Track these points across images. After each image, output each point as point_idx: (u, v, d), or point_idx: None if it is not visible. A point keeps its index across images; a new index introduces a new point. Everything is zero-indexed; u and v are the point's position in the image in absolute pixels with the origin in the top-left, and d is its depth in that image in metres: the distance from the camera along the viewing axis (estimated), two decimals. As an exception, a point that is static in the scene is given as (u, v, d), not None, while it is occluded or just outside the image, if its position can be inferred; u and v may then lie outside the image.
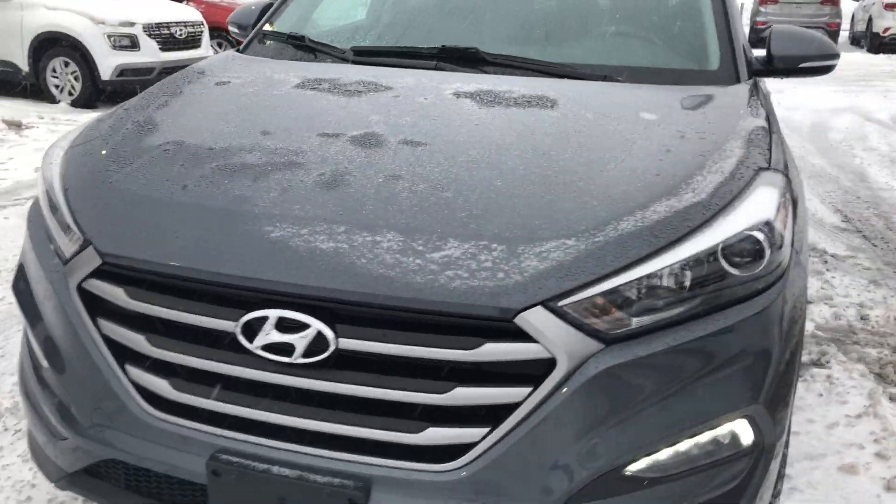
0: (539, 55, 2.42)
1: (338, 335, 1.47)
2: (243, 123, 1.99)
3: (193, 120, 2.06)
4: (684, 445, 1.54)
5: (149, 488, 1.68)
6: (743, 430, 1.59)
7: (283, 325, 1.48)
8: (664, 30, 2.62)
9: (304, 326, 1.47)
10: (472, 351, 1.43)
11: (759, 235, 1.59)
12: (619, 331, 1.47)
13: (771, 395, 1.59)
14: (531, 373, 1.45)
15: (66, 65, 8.48)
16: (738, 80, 2.34)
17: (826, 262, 4.43)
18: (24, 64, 8.53)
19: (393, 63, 2.45)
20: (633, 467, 1.51)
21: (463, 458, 1.47)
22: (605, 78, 2.29)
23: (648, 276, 1.49)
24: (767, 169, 1.80)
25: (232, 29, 3.06)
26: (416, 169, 1.72)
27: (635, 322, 1.48)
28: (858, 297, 3.93)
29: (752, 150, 1.85)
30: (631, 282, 1.48)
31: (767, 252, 1.59)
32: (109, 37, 8.32)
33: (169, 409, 1.62)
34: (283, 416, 1.53)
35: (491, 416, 1.46)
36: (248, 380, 1.54)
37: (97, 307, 1.65)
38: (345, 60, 2.50)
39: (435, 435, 1.47)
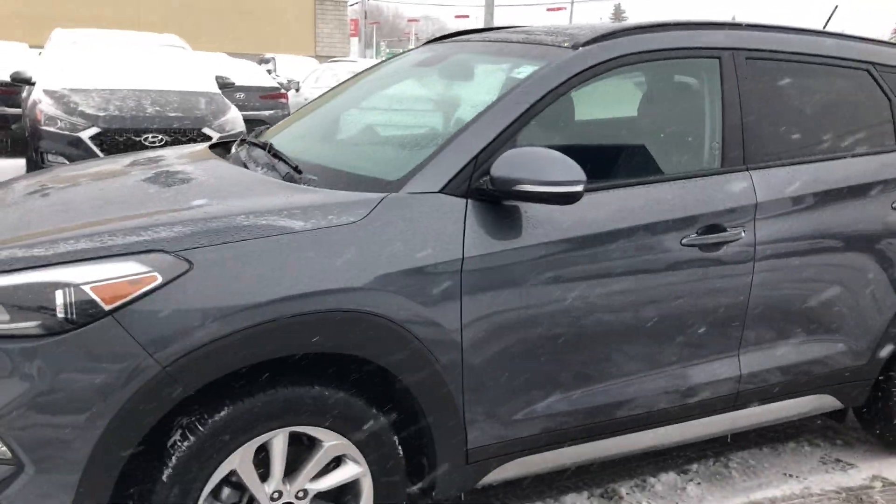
0: (300, 153, 2.79)
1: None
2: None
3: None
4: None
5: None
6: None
7: None
8: (406, 141, 2.66)
9: None
10: None
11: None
12: None
13: (21, 423, 1.95)
14: None
15: None
16: (397, 191, 2.35)
17: None
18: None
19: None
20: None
21: None
22: (288, 174, 2.59)
23: None
24: (156, 252, 2.04)
25: None
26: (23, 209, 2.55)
27: None
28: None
29: (187, 237, 2.08)
30: None
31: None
32: None
33: None
34: None
35: None
36: None
37: None
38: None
39: None
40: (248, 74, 13.12)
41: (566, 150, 2.62)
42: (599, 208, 2.57)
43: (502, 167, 2.34)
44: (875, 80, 3.27)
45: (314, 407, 2.21)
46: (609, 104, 2.97)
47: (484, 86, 2.83)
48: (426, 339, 2.28)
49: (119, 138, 7.17)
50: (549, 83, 2.57)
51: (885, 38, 3.38)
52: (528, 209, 2.45)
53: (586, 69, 2.64)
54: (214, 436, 2.10)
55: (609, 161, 2.74)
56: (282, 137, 3.16)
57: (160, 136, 7.26)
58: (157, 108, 7.47)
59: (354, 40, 46.98)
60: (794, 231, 2.90)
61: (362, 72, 3.64)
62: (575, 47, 2.70)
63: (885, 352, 3.22)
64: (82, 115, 7.19)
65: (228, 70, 11.70)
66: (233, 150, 3.14)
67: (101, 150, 7.09)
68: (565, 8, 50.96)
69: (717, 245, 2.73)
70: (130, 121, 7.25)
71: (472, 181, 2.41)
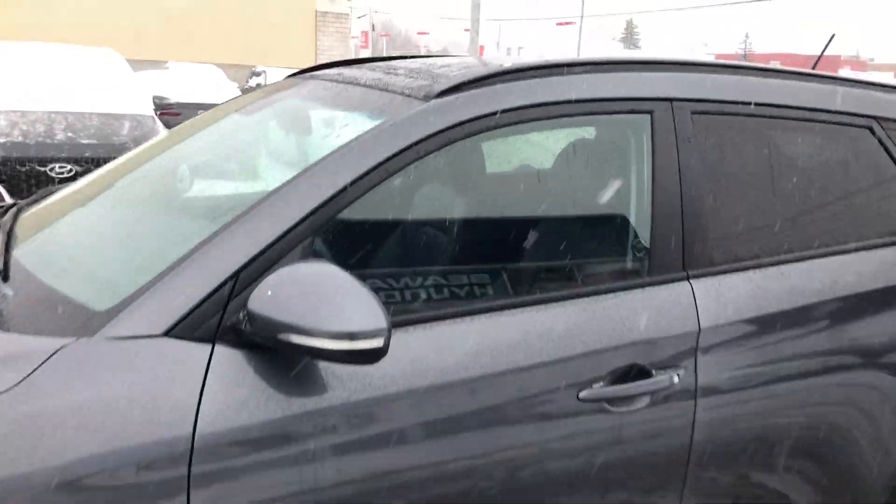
0: (47, 243, 1.92)
1: None
2: None
3: None
4: None
5: None
6: None
7: None
8: (152, 242, 1.75)
9: None
10: None
11: None
12: None
13: None
14: None
15: None
16: (92, 333, 1.46)
17: None
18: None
19: None
20: None
21: None
22: None
23: None
24: None
25: None
26: None
27: None
28: None
29: None
30: None
31: None
32: None
33: None
34: None
35: None
36: None
37: None
38: None
39: None
40: (213, 90, 12.32)
41: (400, 259, 1.73)
42: (444, 349, 1.66)
43: (262, 301, 1.45)
44: (880, 141, 2.34)
45: None
46: (482, 186, 2.07)
47: (289, 153, 1.93)
48: None
49: (21, 168, 6.29)
50: (370, 157, 1.67)
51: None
52: None
53: (435, 133, 1.73)
54: None
55: (470, 274, 1.83)
56: (66, 211, 2.27)
57: (69, 167, 6.38)
58: (70, 134, 6.59)
59: (366, 52, 46.53)
60: (758, 369, 1.98)
61: (205, 114, 2.75)
62: (426, 98, 1.81)
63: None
64: (-20, 140, 6.33)
65: (191, 85, 10.89)
66: None
67: (1, 181, 6.22)
68: (574, 23, 50.19)
69: (636, 398, 1.81)
70: (34, 148, 6.37)
71: (227, 316, 1.51)
